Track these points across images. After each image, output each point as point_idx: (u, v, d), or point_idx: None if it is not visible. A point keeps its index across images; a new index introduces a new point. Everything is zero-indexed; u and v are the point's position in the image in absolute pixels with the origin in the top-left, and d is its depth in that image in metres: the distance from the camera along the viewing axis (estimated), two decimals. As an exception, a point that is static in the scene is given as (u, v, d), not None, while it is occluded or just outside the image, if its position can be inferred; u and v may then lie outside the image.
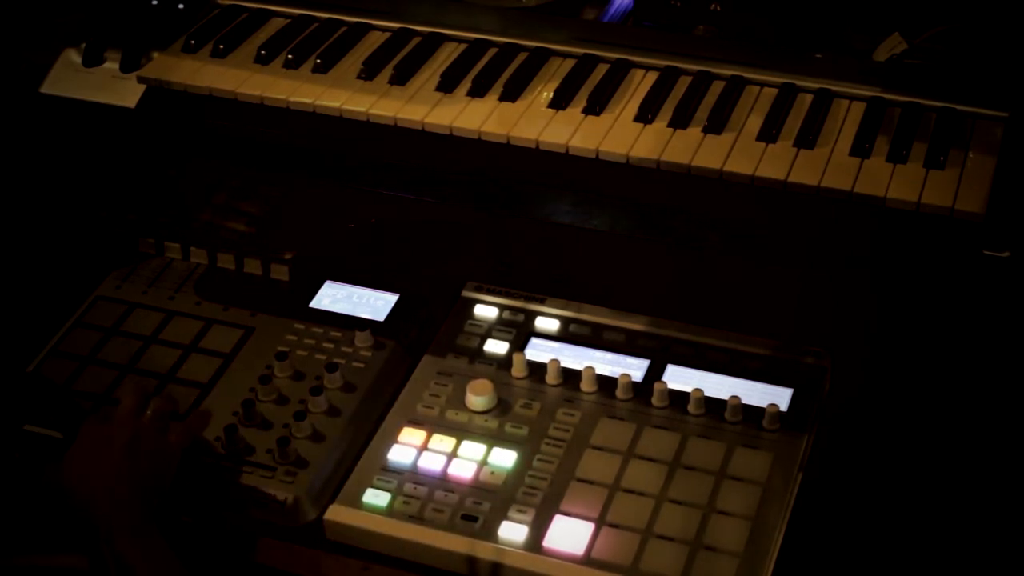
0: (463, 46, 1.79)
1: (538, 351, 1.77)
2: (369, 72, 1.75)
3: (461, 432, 1.67)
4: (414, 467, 1.64)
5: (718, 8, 1.79)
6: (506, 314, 1.82)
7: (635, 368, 1.73)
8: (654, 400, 1.68)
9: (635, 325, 1.78)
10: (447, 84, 1.72)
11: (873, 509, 1.58)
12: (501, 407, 1.70)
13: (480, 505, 1.59)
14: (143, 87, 1.78)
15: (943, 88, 1.64)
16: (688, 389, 1.68)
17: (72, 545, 1.54)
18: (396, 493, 1.61)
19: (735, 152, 1.59)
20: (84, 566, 1.52)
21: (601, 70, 1.73)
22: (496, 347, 1.78)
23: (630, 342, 1.77)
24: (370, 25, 1.85)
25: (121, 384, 1.76)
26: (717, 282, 1.82)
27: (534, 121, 1.66)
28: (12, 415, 1.70)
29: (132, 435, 1.58)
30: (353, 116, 1.70)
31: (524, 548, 1.54)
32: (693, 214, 1.59)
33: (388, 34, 1.83)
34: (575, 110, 1.67)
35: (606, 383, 1.71)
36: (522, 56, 1.77)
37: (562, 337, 1.79)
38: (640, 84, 1.71)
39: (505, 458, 1.64)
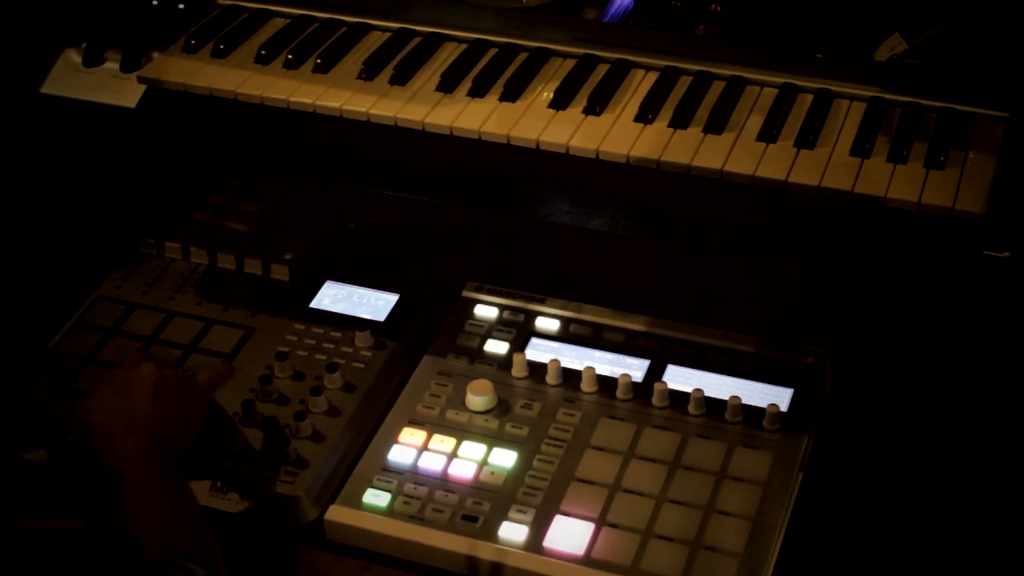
0: (463, 46, 1.79)
1: (538, 351, 1.77)
2: (369, 72, 1.75)
3: (461, 432, 1.67)
4: (414, 467, 1.64)
5: (718, 8, 1.79)
6: (506, 314, 1.82)
7: (635, 368, 1.73)
8: (654, 400, 1.68)
9: (635, 325, 1.78)
10: (447, 84, 1.72)
11: (873, 509, 1.58)
12: (501, 407, 1.70)
13: (480, 505, 1.59)
14: (143, 87, 1.78)
15: (943, 88, 1.64)
16: (688, 389, 1.68)
17: (66, 508, 1.52)
18: (396, 493, 1.61)
19: (735, 152, 1.59)
20: (79, 527, 1.51)
21: (601, 70, 1.73)
22: (496, 347, 1.78)
23: (630, 342, 1.77)
24: (370, 25, 1.85)
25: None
26: (717, 282, 1.82)
27: (534, 121, 1.66)
28: (12, 381, 1.70)
29: (160, 379, 1.57)
30: (353, 116, 1.70)
31: (524, 548, 1.54)
32: (693, 214, 1.59)
33: (388, 34, 1.83)
34: (575, 110, 1.67)
35: (606, 383, 1.71)
36: (522, 56, 1.77)
37: (562, 337, 1.79)
38: (640, 84, 1.71)
39: (505, 458, 1.64)
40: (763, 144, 1.60)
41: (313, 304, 1.86)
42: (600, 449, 1.64)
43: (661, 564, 1.51)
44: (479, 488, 1.61)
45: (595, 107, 1.66)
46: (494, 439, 1.66)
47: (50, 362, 1.78)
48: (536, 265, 1.89)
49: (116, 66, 1.81)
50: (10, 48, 1.87)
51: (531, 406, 1.70)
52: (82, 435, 1.53)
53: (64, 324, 1.86)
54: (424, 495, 1.60)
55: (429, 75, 1.74)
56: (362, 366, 1.76)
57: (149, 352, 1.70)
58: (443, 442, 1.66)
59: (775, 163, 1.57)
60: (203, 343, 1.82)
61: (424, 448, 1.66)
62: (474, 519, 1.57)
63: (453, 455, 1.64)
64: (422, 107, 1.69)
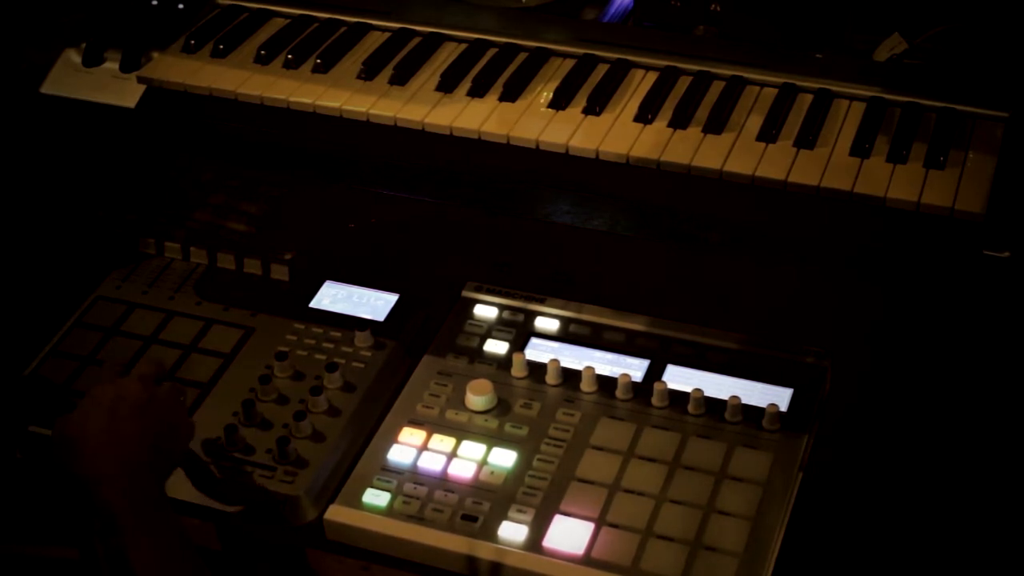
0: (463, 46, 1.79)
1: (538, 351, 1.77)
2: (369, 72, 1.75)
3: (461, 432, 1.67)
4: (414, 467, 1.64)
5: (718, 8, 1.79)
6: (506, 314, 1.82)
7: (635, 368, 1.73)
8: (654, 400, 1.68)
9: (635, 325, 1.78)
10: (447, 84, 1.72)
11: (873, 509, 1.58)
12: (501, 407, 1.70)
13: (480, 505, 1.59)
14: (143, 87, 1.78)
15: (943, 88, 1.64)
16: (688, 389, 1.68)
17: (64, 538, 1.52)
18: (396, 493, 1.61)
19: (735, 152, 1.59)
20: (76, 557, 1.51)
21: (601, 70, 1.73)
22: (496, 347, 1.78)
23: (630, 342, 1.77)
24: (370, 25, 1.85)
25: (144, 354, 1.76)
26: (717, 282, 1.82)
27: (534, 121, 1.66)
28: (12, 415, 1.70)
29: (149, 395, 1.50)
30: (353, 116, 1.70)
31: (524, 548, 1.54)
32: (693, 214, 1.59)
33: (388, 34, 1.83)
34: (575, 110, 1.67)
35: (606, 383, 1.71)
36: (522, 56, 1.77)
37: (562, 337, 1.79)
38: (640, 84, 1.71)
39: (505, 458, 1.64)
40: (763, 144, 1.60)
41: (313, 304, 1.86)
42: (600, 449, 1.64)
43: (661, 564, 1.51)
44: (479, 488, 1.61)
45: (595, 107, 1.66)
46: (494, 439, 1.66)
47: (36, 386, 1.76)
48: (536, 265, 1.89)
49: (116, 66, 1.81)
50: (10, 48, 1.88)
51: (531, 406, 1.70)
52: (64, 452, 1.45)
53: (64, 324, 1.86)
54: (424, 495, 1.60)
55: (429, 75, 1.74)
56: (362, 366, 1.76)
57: (143, 358, 1.63)
58: (443, 442, 1.66)
59: (775, 163, 1.57)
60: (203, 343, 1.82)
61: (424, 448, 1.66)
62: (474, 519, 1.57)
63: (453, 455, 1.64)
64: (422, 107, 1.69)
